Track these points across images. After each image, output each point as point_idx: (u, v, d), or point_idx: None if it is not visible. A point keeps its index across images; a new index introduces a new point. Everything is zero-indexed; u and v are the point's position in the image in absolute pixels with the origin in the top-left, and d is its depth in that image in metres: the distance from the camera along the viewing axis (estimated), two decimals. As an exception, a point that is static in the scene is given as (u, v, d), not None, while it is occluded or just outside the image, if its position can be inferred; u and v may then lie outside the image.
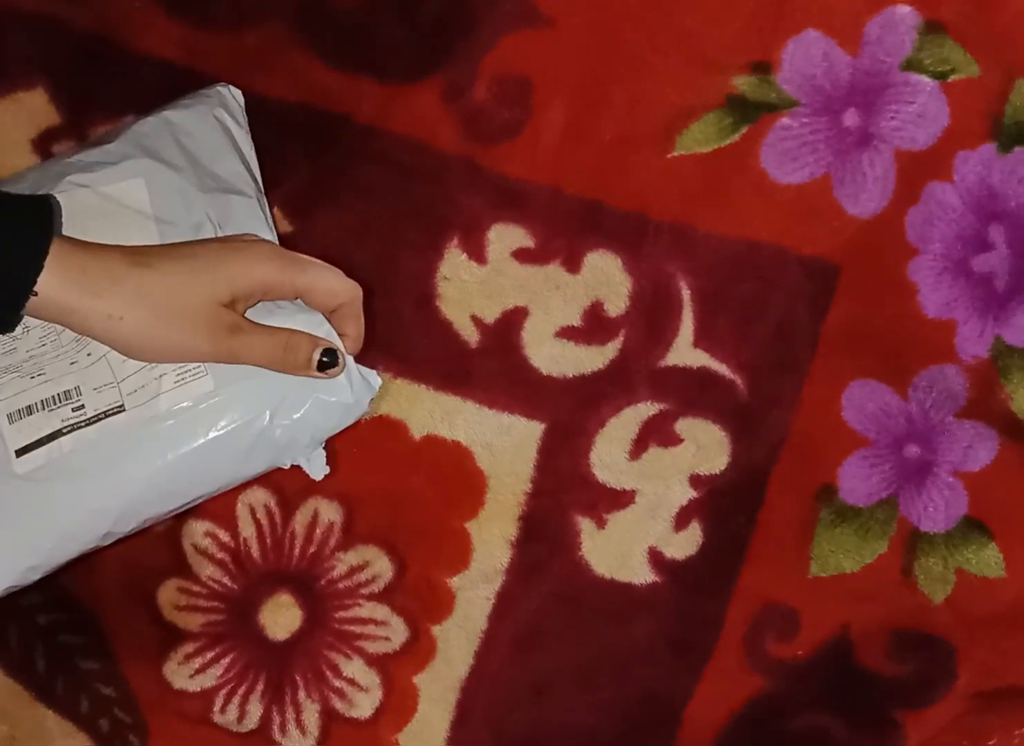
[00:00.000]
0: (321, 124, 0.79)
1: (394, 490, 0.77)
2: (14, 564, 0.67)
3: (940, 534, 0.82)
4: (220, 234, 0.72)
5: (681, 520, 0.82)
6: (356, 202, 0.80)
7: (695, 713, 0.82)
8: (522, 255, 0.81)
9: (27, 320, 0.67)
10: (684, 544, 0.82)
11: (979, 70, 0.80)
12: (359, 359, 0.70)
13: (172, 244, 0.66)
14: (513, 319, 0.81)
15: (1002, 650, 0.83)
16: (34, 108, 0.79)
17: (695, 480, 0.82)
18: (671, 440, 0.81)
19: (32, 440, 0.67)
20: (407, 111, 0.80)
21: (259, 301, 0.66)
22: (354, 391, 0.72)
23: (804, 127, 0.80)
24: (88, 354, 0.68)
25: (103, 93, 0.79)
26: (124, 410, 0.67)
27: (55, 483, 0.67)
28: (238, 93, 0.77)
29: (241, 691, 0.79)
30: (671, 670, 0.82)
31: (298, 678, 0.80)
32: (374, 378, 0.74)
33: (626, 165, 0.80)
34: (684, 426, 0.81)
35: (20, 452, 0.67)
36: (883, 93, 0.80)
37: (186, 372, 0.68)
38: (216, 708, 0.80)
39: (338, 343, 0.68)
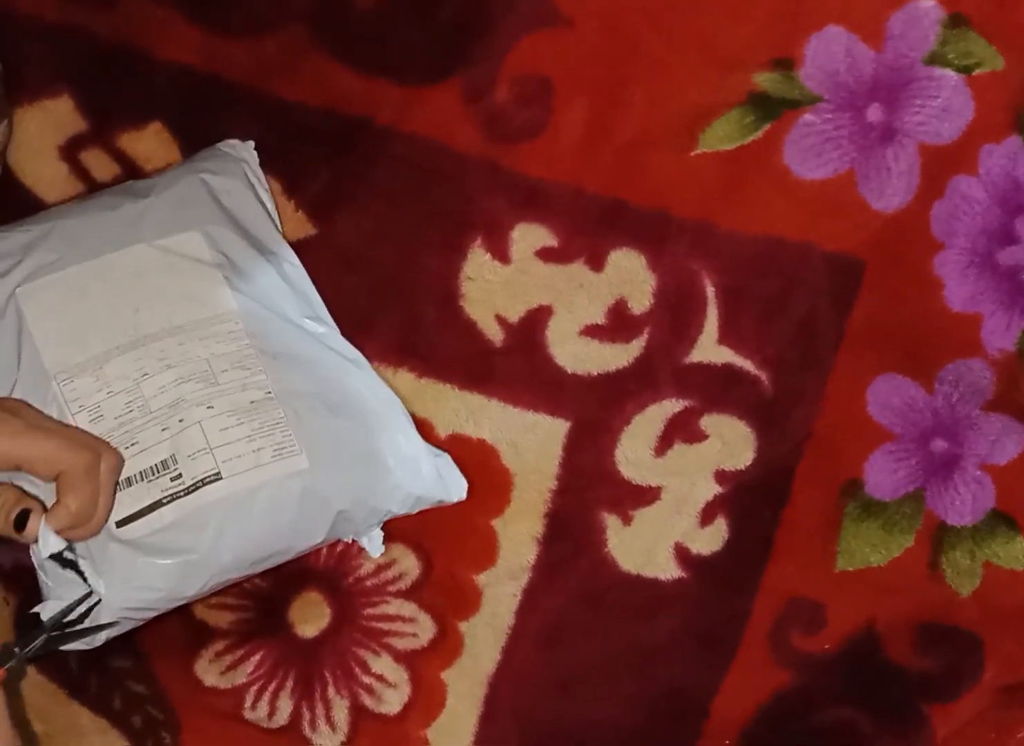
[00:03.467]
0: (342, 127, 0.80)
1: (420, 488, 0.78)
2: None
3: (967, 528, 0.82)
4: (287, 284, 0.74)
5: (707, 516, 0.82)
6: (378, 204, 0.80)
7: (722, 706, 0.82)
8: (546, 254, 0.81)
9: (111, 383, 0.69)
10: (710, 540, 0.82)
11: (1003, 63, 0.79)
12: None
13: None
14: (537, 318, 0.81)
15: (1030, 643, 0.83)
16: (60, 115, 0.79)
17: (720, 476, 0.82)
18: (696, 436, 0.82)
19: (133, 512, 0.68)
20: (427, 113, 0.80)
21: None
22: (435, 487, 0.76)
23: (827, 123, 0.80)
24: (180, 420, 0.69)
25: (127, 100, 0.80)
26: (221, 478, 0.69)
27: (155, 552, 0.68)
28: (250, 146, 0.79)
29: (271, 688, 0.80)
30: (698, 664, 0.82)
31: (327, 675, 0.80)
32: (458, 485, 0.78)
33: (649, 163, 0.80)
34: (709, 422, 0.81)
35: (121, 523, 0.68)
36: (907, 88, 0.80)
37: (283, 448, 0.70)
38: (247, 704, 0.80)
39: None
